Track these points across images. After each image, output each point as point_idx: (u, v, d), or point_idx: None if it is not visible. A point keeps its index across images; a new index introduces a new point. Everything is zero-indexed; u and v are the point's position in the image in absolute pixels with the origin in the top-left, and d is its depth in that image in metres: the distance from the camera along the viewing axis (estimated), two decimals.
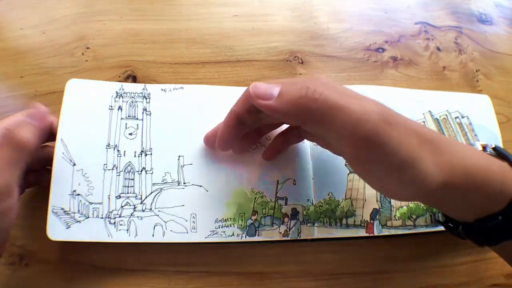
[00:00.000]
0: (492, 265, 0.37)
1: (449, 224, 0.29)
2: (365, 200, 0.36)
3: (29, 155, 0.27)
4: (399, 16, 0.48)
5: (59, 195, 0.32)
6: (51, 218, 0.32)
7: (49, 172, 0.32)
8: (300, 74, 0.43)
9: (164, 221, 0.33)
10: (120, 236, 0.33)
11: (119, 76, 0.41)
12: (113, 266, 0.34)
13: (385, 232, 0.35)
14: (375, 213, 0.36)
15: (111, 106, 0.37)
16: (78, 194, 0.33)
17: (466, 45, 0.47)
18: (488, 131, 0.41)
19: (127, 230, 0.33)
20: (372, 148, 0.23)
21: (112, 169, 0.34)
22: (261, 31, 0.45)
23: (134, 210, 0.34)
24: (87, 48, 0.42)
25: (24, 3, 0.45)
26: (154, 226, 0.33)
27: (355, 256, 0.36)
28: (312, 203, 0.36)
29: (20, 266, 0.34)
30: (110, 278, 0.34)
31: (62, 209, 0.32)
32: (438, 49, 0.47)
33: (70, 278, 0.34)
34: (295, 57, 0.44)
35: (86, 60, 0.42)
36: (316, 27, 0.46)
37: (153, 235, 0.33)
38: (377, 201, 0.36)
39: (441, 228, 0.32)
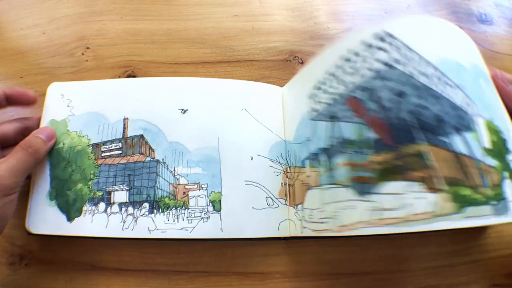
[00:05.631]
0: (492, 265, 0.37)
1: None
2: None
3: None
4: (399, 16, 0.48)
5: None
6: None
7: None
8: None
9: None
10: None
11: (119, 76, 0.41)
12: (113, 266, 0.34)
13: None
14: None
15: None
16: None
17: None
18: None
19: None
20: None
21: None
22: (261, 31, 0.45)
23: None
24: (87, 48, 0.42)
25: (24, 3, 0.45)
26: None
27: (355, 256, 0.36)
28: None
29: (20, 266, 0.34)
30: (110, 278, 0.34)
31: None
32: None
33: (70, 278, 0.34)
34: (295, 57, 0.44)
35: (86, 60, 0.42)
36: (316, 27, 0.46)
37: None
38: None
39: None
